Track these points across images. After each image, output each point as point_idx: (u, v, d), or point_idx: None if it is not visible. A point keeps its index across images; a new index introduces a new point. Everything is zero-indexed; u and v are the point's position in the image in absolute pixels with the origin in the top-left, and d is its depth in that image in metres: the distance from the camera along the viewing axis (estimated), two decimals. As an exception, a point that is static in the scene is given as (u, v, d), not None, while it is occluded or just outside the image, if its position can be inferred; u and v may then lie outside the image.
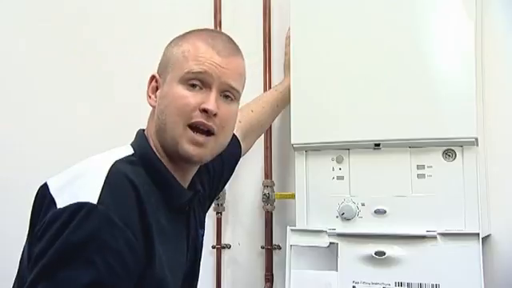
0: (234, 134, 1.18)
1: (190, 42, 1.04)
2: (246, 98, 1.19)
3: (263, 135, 1.55)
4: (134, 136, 1.08)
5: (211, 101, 1.00)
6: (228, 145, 1.10)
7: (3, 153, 1.86)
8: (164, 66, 1.06)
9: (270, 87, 1.56)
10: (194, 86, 1.01)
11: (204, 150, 1.02)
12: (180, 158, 1.03)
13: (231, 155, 1.29)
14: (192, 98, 1.00)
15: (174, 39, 1.09)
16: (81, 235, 0.86)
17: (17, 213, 1.73)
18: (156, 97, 1.05)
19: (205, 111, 1.00)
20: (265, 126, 1.48)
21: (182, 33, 1.10)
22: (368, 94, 1.27)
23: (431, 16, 1.25)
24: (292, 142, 1.34)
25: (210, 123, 1.01)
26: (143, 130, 1.08)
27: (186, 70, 1.01)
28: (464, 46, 1.22)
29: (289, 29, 1.44)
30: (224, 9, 1.65)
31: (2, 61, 1.89)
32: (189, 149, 1.01)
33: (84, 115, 1.79)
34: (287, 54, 1.46)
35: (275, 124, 1.57)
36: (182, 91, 1.00)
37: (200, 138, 1.01)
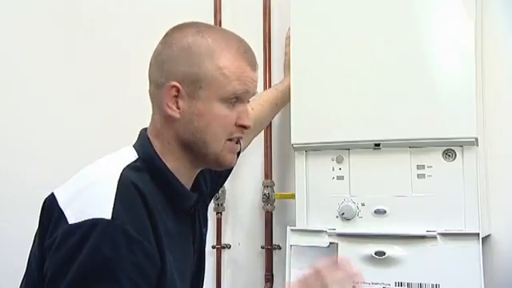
0: None
1: (226, 57, 1.01)
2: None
3: (263, 135, 1.55)
4: (137, 137, 1.06)
5: (248, 117, 1.05)
6: None
7: (3, 152, 1.87)
8: (191, 79, 0.99)
9: (269, 87, 1.55)
10: (231, 101, 1.02)
11: (236, 156, 1.08)
12: (214, 166, 1.07)
13: None
14: (232, 115, 1.02)
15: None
16: (102, 252, 0.86)
17: (16, 211, 1.76)
18: (179, 108, 1.00)
19: (243, 127, 1.04)
20: (264, 123, 1.48)
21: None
22: (368, 93, 1.27)
23: (431, 16, 1.25)
24: (292, 141, 1.34)
25: (243, 135, 1.06)
26: (145, 130, 1.06)
27: (230, 91, 1.00)
28: (464, 46, 1.22)
29: (289, 29, 1.44)
30: (224, 9, 1.64)
31: (1, 60, 1.90)
32: (229, 158, 1.05)
33: (85, 114, 1.79)
34: (287, 53, 1.45)
35: (275, 124, 1.57)
36: (224, 110, 1.01)
37: (238, 146, 1.06)
